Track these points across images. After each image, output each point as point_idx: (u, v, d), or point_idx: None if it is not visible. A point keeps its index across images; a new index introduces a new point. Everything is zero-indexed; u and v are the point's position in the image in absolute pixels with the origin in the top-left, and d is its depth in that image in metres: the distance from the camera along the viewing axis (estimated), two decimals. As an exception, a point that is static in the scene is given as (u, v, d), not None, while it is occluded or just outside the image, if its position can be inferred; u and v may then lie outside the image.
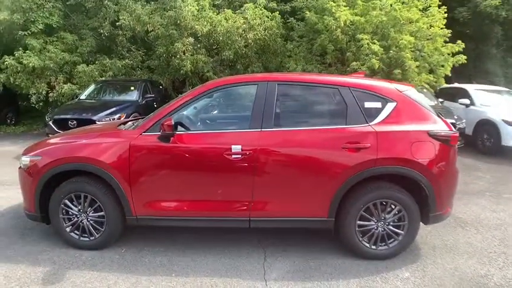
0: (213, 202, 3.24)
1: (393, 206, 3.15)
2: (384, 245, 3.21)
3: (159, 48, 9.59)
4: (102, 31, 10.25)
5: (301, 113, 3.37)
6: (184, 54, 9.24)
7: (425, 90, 8.70)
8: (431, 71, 9.22)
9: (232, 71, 10.06)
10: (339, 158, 3.08)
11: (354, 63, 8.43)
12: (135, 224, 3.37)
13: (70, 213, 3.34)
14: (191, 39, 9.56)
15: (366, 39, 8.26)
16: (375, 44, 8.27)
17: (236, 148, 3.05)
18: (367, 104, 3.14)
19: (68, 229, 3.36)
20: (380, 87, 3.27)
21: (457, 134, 3.21)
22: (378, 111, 3.14)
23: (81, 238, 3.37)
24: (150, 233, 3.70)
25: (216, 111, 3.50)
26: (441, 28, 9.01)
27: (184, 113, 3.36)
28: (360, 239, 3.19)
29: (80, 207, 3.31)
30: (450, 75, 9.30)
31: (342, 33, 8.70)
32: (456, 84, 9.45)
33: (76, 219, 3.34)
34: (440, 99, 8.62)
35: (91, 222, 3.33)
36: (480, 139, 7.86)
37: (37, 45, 9.43)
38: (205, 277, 2.99)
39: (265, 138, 3.10)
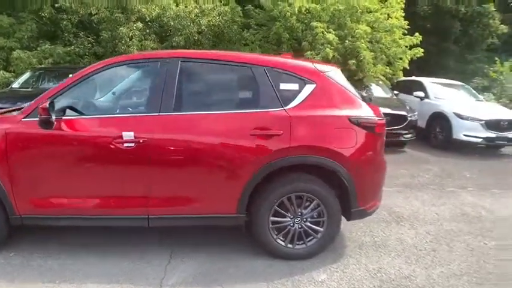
0: (106, 198, 2.77)
1: (310, 201, 2.79)
2: (302, 244, 2.85)
3: (104, 33, 8.89)
4: (43, 14, 9.42)
5: (207, 95, 2.93)
6: (130, 39, 8.60)
7: (380, 82, 8.53)
8: (389, 63, 9.07)
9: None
10: (247, 147, 2.68)
11: (309, 52, 8.10)
12: (20, 224, 2.84)
13: None
14: (139, 24, 8.95)
15: (321, 27, 7.95)
16: (330, 33, 7.97)
17: (128, 135, 2.59)
18: (283, 86, 2.76)
19: None
20: (298, 67, 2.89)
21: (383, 121, 2.88)
22: (294, 93, 2.76)
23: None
24: (44, 234, 3.16)
25: (113, 93, 3.01)
26: (400, 20, 8.84)
27: (76, 94, 2.86)
28: (275, 236, 2.81)
29: None
30: (409, 68, 9.17)
31: (298, 21, 8.35)
32: (413, 78, 9.33)
33: None
34: (395, 92, 8.47)
35: None
36: (433, 132, 7.75)
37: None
38: (92, 284, 2.55)
39: (162, 124, 2.67)
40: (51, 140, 2.70)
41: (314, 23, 7.97)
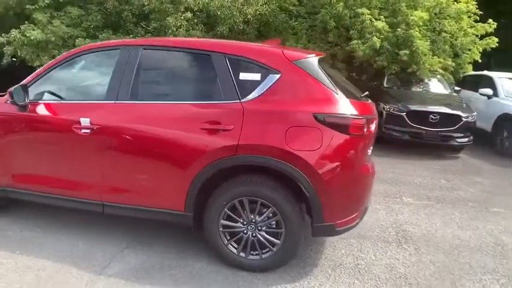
0: (66, 180, 2.85)
1: (266, 208, 2.44)
2: (256, 255, 2.53)
3: (153, 23, 9.23)
4: (107, 6, 10.16)
5: (163, 84, 2.76)
6: (177, 30, 8.78)
7: (438, 76, 7.41)
8: (456, 55, 7.83)
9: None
10: (196, 141, 2.44)
11: (355, 41, 7.37)
12: (5, 196, 3.09)
13: None
14: (188, 14, 9.09)
15: (368, 14, 7.14)
16: (379, 20, 7.13)
17: (85, 121, 2.64)
18: (243, 75, 2.44)
19: None
20: (264, 54, 2.53)
21: (360, 121, 2.36)
22: (255, 84, 2.41)
23: None
24: (43, 210, 3.31)
25: (81, 79, 3.02)
26: (469, 4, 7.53)
27: (49, 81, 2.94)
28: (226, 241, 2.54)
29: None
30: (481, 61, 7.82)
31: (345, 8, 7.63)
32: (483, 72, 7.91)
33: None
34: (457, 88, 7.29)
35: None
36: (499, 137, 6.48)
37: (43, 19, 9.55)
38: (42, 259, 2.65)
39: (117, 112, 2.63)
40: (23, 121, 2.87)
41: (360, 10, 7.19)
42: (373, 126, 2.53)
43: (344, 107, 2.34)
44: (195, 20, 9.29)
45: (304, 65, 2.44)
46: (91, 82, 2.78)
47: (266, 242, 2.48)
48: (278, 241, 2.45)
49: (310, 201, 2.34)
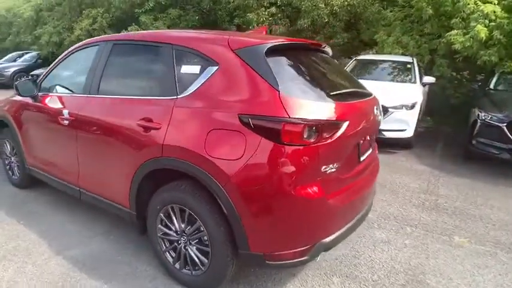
0: (57, 166, 3.05)
1: (194, 220, 2.04)
2: (188, 269, 2.16)
3: (236, 20, 9.35)
4: (203, 6, 10.79)
5: (121, 78, 2.59)
6: (258, 25, 8.68)
7: None
8: None
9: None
10: (134, 137, 2.22)
11: (453, 32, 5.93)
12: (29, 173, 3.49)
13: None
14: (273, 9, 8.90)
15: (474, -4, 5.63)
16: (489, 2, 5.55)
17: (65, 113, 2.76)
18: (184, 68, 2.08)
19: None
20: (208, 43, 2.10)
21: (297, 127, 1.70)
22: (194, 78, 2.02)
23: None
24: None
25: (72, 74, 3.14)
26: None
27: (54, 75, 3.18)
28: (164, 248, 2.25)
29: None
30: None
31: (446, -9, 6.21)
32: None
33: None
34: None
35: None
36: None
37: (146, 21, 10.77)
38: (31, 231, 2.92)
39: (86, 105, 2.65)
40: (33, 110, 3.19)
41: (462, -10, 5.72)
42: (337, 134, 1.83)
43: (278, 106, 1.72)
44: (279, 15, 9.02)
45: (245, 55, 1.90)
46: (80, 76, 2.86)
47: (196, 259, 2.08)
48: (206, 260, 2.03)
49: (230, 221, 1.84)
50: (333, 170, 1.85)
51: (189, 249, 2.11)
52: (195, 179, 1.96)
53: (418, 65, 6.51)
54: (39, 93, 3.09)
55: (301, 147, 1.72)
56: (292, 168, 1.71)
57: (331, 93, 1.95)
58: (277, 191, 1.75)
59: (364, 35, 8.54)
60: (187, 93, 2.02)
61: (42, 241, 2.77)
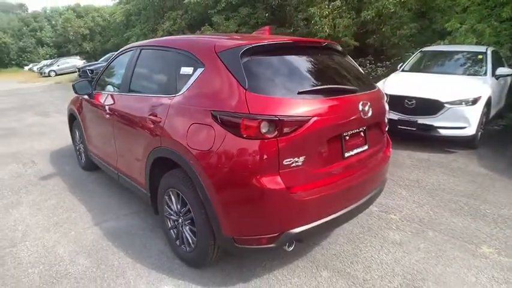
0: (104, 152, 3.57)
1: (186, 203, 2.28)
2: (184, 246, 2.44)
3: (299, 15, 9.32)
4: (273, 3, 10.99)
5: (144, 79, 2.92)
6: (320, 19, 8.55)
7: None
8: None
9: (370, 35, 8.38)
10: (146, 129, 2.54)
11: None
12: (90, 158, 4.18)
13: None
14: (338, 2, 8.66)
15: None
16: None
17: (107, 108, 3.23)
18: (182, 70, 2.34)
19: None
20: (197, 46, 2.35)
21: (253, 122, 1.80)
22: (187, 78, 2.27)
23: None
24: None
25: (118, 75, 3.56)
26: None
27: (106, 75, 3.71)
28: (169, 226, 2.56)
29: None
30: None
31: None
32: None
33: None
34: None
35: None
36: None
37: (218, 21, 11.40)
38: (80, 203, 3.57)
39: (119, 101, 3.10)
40: (89, 105, 3.81)
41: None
42: (301, 130, 1.85)
43: (242, 103, 1.85)
44: (344, 8, 8.75)
45: (225, 56, 2.07)
46: (119, 77, 3.34)
47: (188, 237, 2.34)
48: (195, 239, 2.27)
49: (205, 206, 2.04)
50: (299, 163, 1.89)
51: (183, 229, 2.37)
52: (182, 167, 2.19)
53: (493, 55, 5.75)
54: (94, 92, 3.65)
55: (259, 141, 1.81)
56: (251, 160, 1.83)
57: (304, 90, 1.98)
58: (239, 180, 1.88)
59: (437, 25, 7.80)
60: (181, 92, 2.26)
61: (88, 214, 3.32)
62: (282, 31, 10.81)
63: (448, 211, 3.26)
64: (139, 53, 2.98)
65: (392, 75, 6.22)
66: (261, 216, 1.91)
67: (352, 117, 2.13)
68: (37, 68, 32.68)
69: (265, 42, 2.19)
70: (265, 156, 1.81)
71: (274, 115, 1.81)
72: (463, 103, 4.84)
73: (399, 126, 5.23)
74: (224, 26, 11.29)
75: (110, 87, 3.48)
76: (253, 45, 2.06)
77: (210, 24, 11.74)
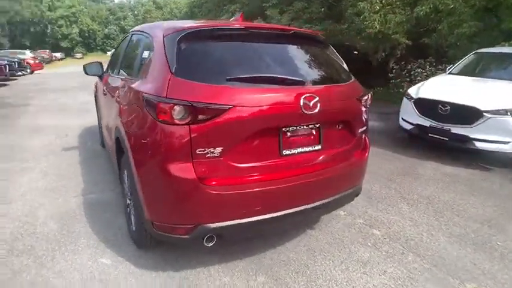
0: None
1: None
2: (132, 226, 2.49)
3: (349, 10, 8.78)
4: (331, -2, 10.54)
5: (127, 62, 3.01)
6: (369, 14, 7.98)
7: None
8: None
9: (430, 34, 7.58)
10: (115, 107, 2.64)
11: None
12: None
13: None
14: (390, -3, 8.02)
15: None
16: None
17: (104, 88, 3.51)
18: (144, 53, 2.41)
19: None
20: (156, 30, 2.33)
21: (166, 106, 1.75)
22: (145, 60, 2.32)
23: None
24: None
25: (117, 58, 3.68)
26: None
27: (112, 59, 3.88)
28: (126, 204, 2.62)
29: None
30: None
31: None
32: None
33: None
34: None
35: None
36: None
37: (271, 14, 11.26)
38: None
39: (111, 82, 3.25)
40: (99, 86, 4.10)
41: None
42: (219, 119, 1.75)
43: (164, 87, 1.80)
44: (398, 3, 8.07)
45: (167, 41, 2.05)
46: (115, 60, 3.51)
47: (133, 217, 2.39)
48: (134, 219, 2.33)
49: (135, 187, 2.04)
50: (215, 154, 1.77)
51: (130, 208, 2.41)
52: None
53: None
54: (104, 74, 3.83)
55: (173, 126, 1.75)
56: (164, 145, 1.79)
57: (232, 77, 1.85)
58: (153, 165, 1.87)
59: (505, 24, 6.78)
60: (139, 74, 2.29)
61: (81, 185, 3.58)
62: (336, 27, 10.31)
63: (447, 236, 2.78)
64: (131, 37, 3.10)
65: (435, 78, 5.59)
66: (173, 204, 1.86)
67: (290, 111, 1.92)
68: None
69: (208, 27, 2.10)
70: (176, 143, 1.74)
71: (188, 100, 1.71)
72: (509, 113, 4.14)
73: (430, 134, 4.69)
74: (276, 20, 11.13)
75: (110, 70, 3.65)
76: (194, 30, 1.99)
77: (263, 18, 11.69)
